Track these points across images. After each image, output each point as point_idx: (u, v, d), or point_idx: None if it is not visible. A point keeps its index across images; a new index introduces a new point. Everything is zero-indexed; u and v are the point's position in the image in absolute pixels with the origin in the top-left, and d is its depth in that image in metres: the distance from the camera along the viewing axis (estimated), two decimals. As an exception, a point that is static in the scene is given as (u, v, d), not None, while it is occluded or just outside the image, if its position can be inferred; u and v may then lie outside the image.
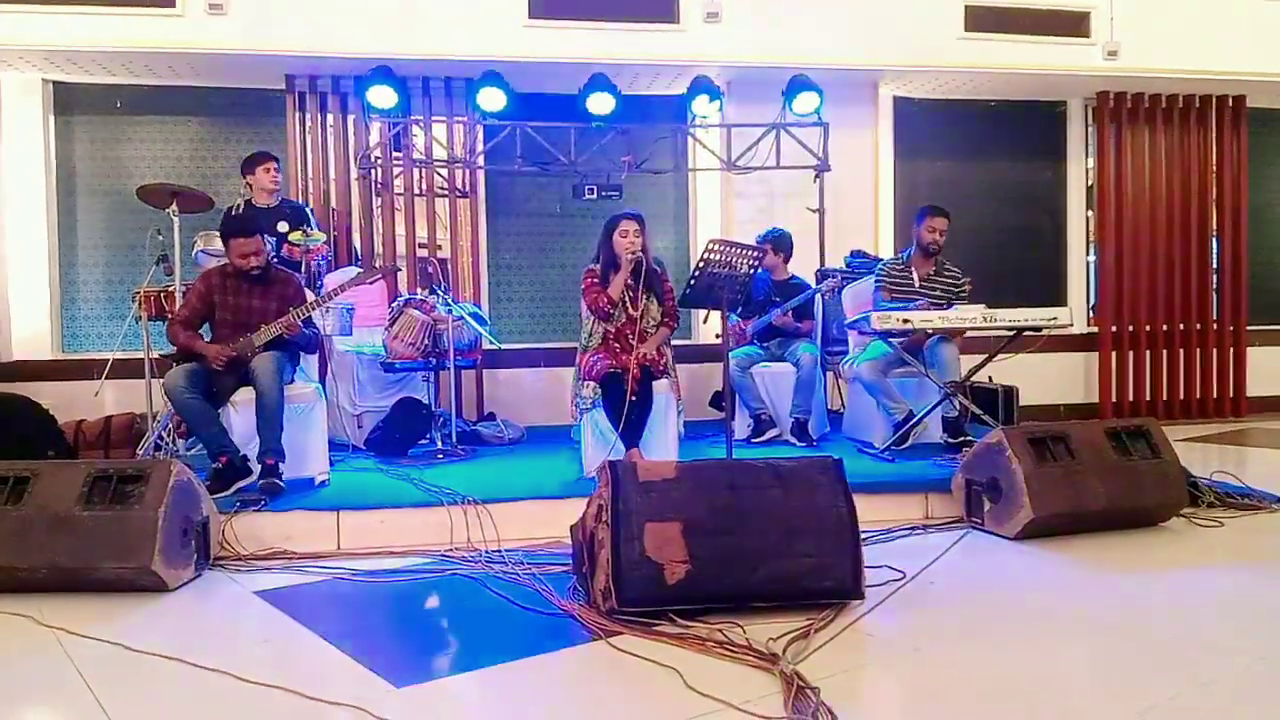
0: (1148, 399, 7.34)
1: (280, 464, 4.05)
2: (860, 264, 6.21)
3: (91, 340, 6.42)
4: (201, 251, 5.04)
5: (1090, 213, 7.49)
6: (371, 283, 4.91)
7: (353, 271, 5.38)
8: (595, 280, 4.54)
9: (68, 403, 5.59)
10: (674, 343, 4.85)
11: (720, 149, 6.46)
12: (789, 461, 3.07)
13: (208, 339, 4.24)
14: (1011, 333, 4.67)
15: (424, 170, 6.48)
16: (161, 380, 4.13)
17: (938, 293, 5.12)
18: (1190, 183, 7.35)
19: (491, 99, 5.98)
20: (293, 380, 4.37)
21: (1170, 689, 2.30)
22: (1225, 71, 6.89)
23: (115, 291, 6.39)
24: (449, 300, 5.16)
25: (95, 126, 6.43)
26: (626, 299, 4.47)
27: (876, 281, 5.21)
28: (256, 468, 4.03)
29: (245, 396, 4.14)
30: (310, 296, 4.45)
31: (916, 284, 5.13)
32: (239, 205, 5.29)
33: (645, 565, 2.76)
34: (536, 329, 6.93)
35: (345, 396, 5.57)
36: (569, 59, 6.07)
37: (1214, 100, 7.34)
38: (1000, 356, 4.75)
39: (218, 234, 4.74)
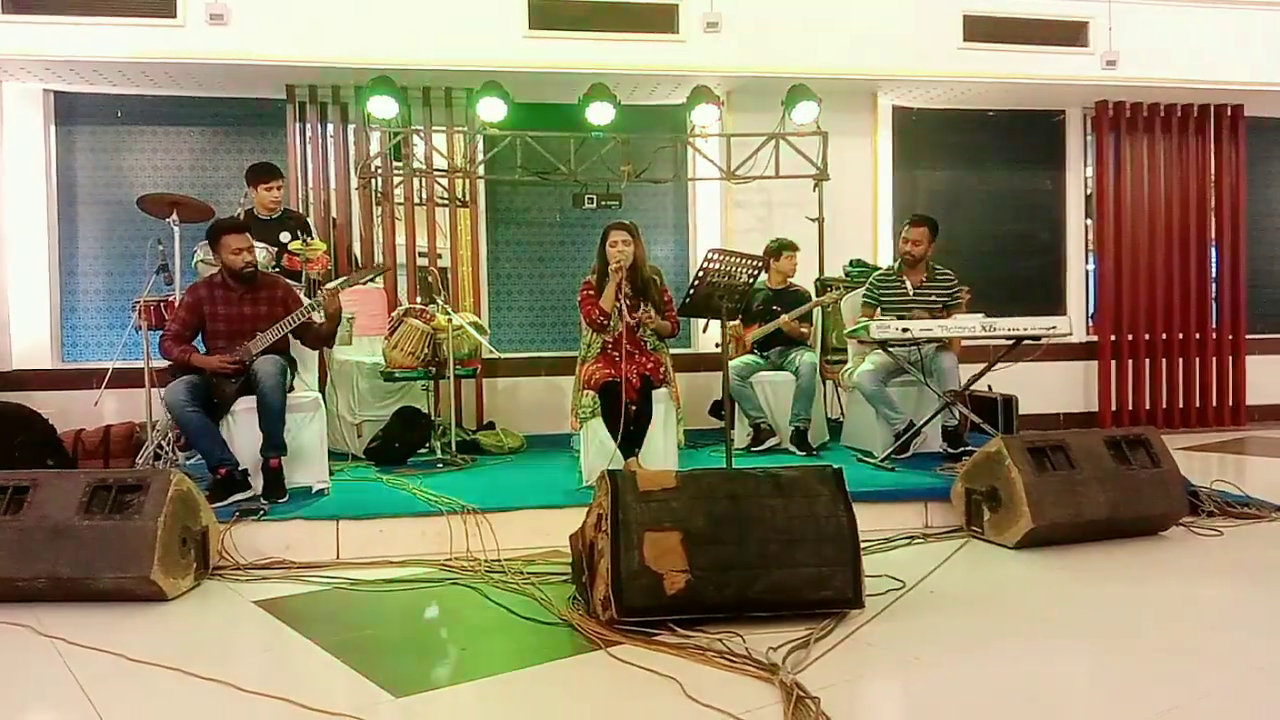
0: (1147, 408, 7.35)
1: (283, 465, 4.08)
2: (860, 273, 6.23)
3: (91, 350, 6.42)
4: (201, 261, 5.04)
5: (1089, 221, 7.51)
6: (366, 283, 4.91)
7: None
8: (590, 291, 4.55)
9: (67, 412, 5.59)
10: (673, 351, 4.85)
11: (720, 158, 6.48)
12: (789, 471, 3.07)
13: (202, 351, 4.25)
14: (1011, 342, 4.67)
15: (424, 179, 6.49)
16: (161, 391, 4.14)
17: (932, 298, 5.13)
18: (1189, 191, 7.37)
19: (491, 108, 5.99)
20: (292, 389, 4.38)
21: (1169, 699, 2.30)
22: (1223, 81, 6.91)
23: (115, 301, 6.39)
24: (448, 309, 5.16)
25: (96, 136, 6.45)
26: (623, 308, 4.47)
27: (865, 297, 5.21)
28: (255, 482, 4.05)
29: (245, 406, 4.14)
30: (304, 300, 4.46)
31: (910, 293, 5.13)
32: (240, 214, 5.29)
33: (645, 575, 2.75)
34: (536, 338, 6.94)
35: (345, 406, 5.57)
36: (569, 69, 6.09)
37: (1212, 109, 7.36)
38: (999, 365, 4.75)
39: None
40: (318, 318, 4.34)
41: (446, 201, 6.56)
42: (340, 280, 4.57)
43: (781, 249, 5.62)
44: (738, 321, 5.53)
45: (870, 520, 3.65)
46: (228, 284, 4.28)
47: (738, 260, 3.92)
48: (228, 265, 4.24)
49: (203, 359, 4.16)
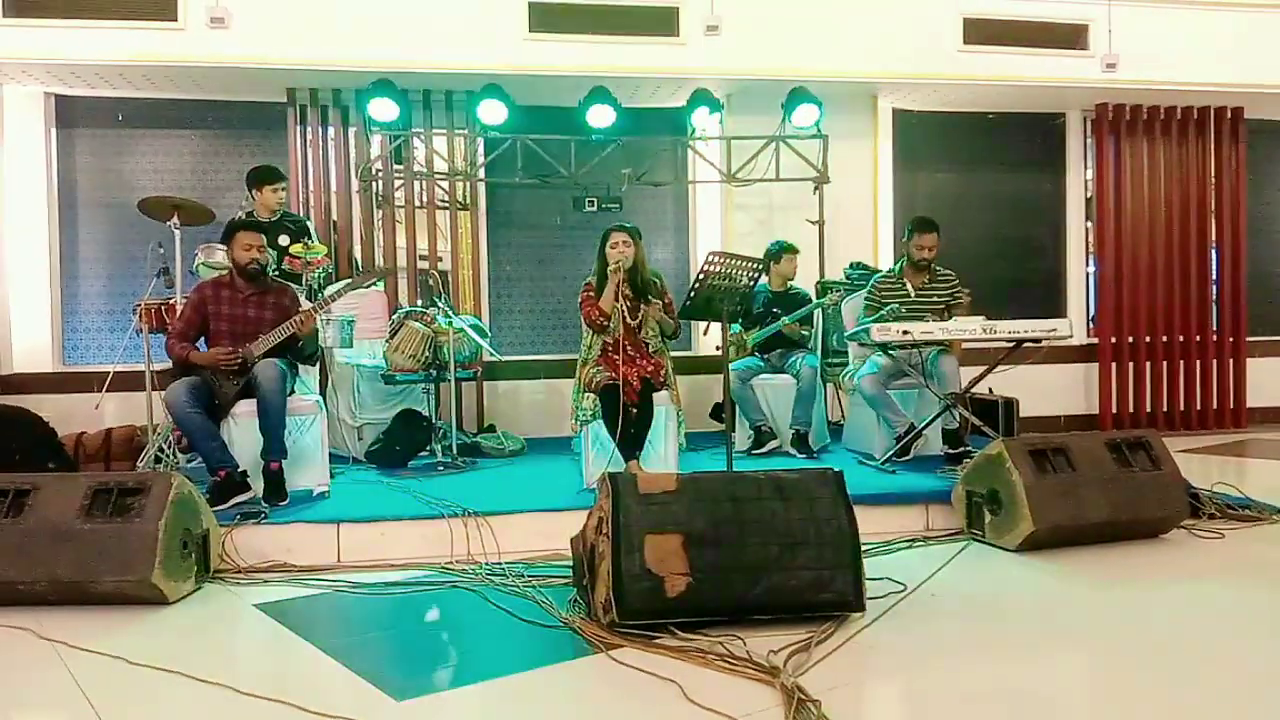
0: (1148, 410, 7.34)
1: (283, 468, 4.09)
2: (860, 276, 6.23)
3: (92, 353, 6.42)
4: (203, 264, 5.05)
5: (1089, 224, 7.51)
6: (368, 286, 4.91)
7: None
8: (591, 293, 4.55)
9: (68, 415, 5.59)
10: (674, 354, 4.85)
11: (720, 161, 6.48)
12: (789, 473, 3.07)
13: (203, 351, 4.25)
14: (1011, 344, 4.67)
15: (425, 183, 6.50)
16: (163, 393, 4.14)
17: (934, 299, 5.12)
18: (1189, 194, 7.37)
19: (492, 111, 6.00)
20: (292, 392, 4.38)
21: (1171, 702, 2.30)
22: (1223, 83, 6.91)
23: (116, 304, 6.39)
24: (449, 312, 5.16)
25: (96, 139, 6.45)
26: (624, 310, 4.47)
27: (867, 299, 5.20)
28: (255, 484, 4.05)
29: (246, 409, 4.14)
30: (306, 305, 4.46)
31: (912, 296, 5.13)
32: (240, 218, 5.29)
33: (646, 578, 2.75)
34: (536, 341, 6.94)
35: (345, 409, 5.57)
36: (569, 71, 6.09)
37: (1212, 112, 7.35)
38: (1000, 368, 4.75)
39: (219, 246, 4.77)
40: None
41: (447, 204, 6.56)
42: (342, 284, 4.57)
43: (781, 251, 5.63)
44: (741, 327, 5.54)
45: (871, 523, 3.65)
46: (234, 284, 4.30)
47: (738, 263, 3.92)
48: (236, 260, 4.27)
49: (200, 355, 4.16)
